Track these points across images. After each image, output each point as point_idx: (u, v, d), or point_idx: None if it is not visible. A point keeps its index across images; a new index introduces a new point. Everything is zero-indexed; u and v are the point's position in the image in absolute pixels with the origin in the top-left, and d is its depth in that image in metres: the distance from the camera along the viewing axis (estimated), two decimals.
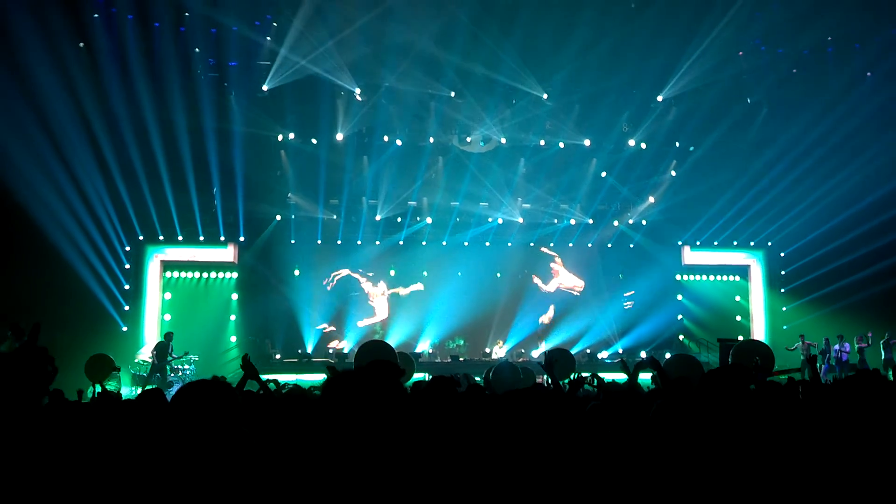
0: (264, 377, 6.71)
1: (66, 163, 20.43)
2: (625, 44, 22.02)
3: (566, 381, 9.11)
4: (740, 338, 23.31)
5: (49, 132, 19.85)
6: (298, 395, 6.97)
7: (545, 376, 18.41)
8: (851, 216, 23.14)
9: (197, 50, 21.71)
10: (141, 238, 23.28)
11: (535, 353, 25.07)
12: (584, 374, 7.87)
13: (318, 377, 18.51)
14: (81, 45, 20.76)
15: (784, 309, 26.09)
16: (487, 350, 24.93)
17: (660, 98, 23.89)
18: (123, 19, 20.81)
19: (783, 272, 26.31)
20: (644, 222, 26.46)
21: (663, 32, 21.54)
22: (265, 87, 22.19)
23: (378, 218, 25.32)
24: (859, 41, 22.78)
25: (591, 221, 26.11)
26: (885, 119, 22.17)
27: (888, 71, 22.41)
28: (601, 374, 8.22)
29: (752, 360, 12.13)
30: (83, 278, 21.23)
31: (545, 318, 26.36)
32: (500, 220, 25.91)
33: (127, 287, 22.97)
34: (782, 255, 26.23)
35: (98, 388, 13.57)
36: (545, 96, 23.40)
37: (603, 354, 24.68)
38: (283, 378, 11.59)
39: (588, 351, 24.58)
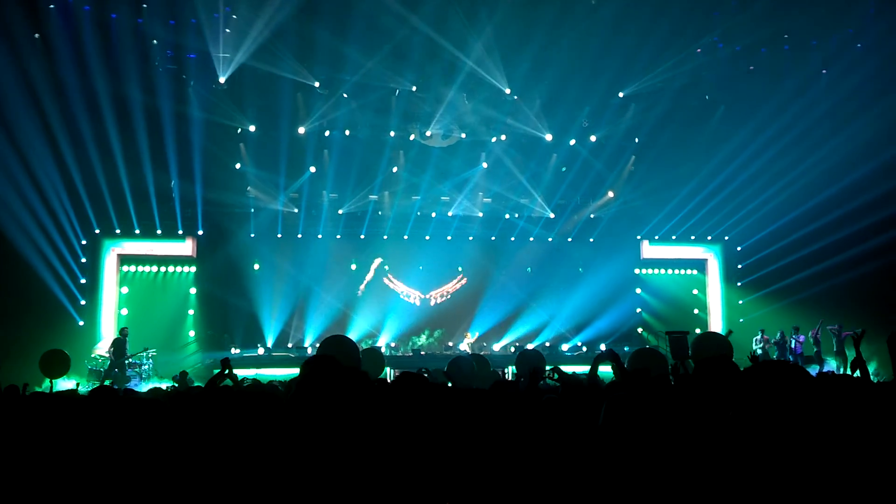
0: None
1: (21, 155, 20.12)
2: (585, 40, 22.11)
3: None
4: (697, 330, 23.59)
5: (3, 123, 19.54)
6: (257, 391, 6.98)
7: (508, 368, 18.48)
8: (806, 211, 23.50)
9: (155, 41, 21.44)
10: (97, 231, 22.99)
11: (497, 347, 25.18)
12: (546, 367, 7.93)
13: (278, 372, 18.43)
14: (37, 36, 20.40)
15: (740, 302, 26.47)
16: (451, 343, 25.00)
17: (621, 94, 24.04)
18: (80, 10, 20.46)
19: (739, 266, 26.69)
20: (604, 217, 26.65)
21: (622, 29, 21.67)
22: (223, 80, 21.97)
23: (340, 212, 25.27)
24: (816, 39, 23.10)
25: (552, 216, 26.21)
26: (840, 116, 22.53)
27: (843, 69, 22.75)
28: (563, 367, 8.29)
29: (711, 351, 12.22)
30: (38, 272, 20.91)
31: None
32: (460, 215, 25.96)
33: (83, 281, 22.68)
34: (739, 249, 26.61)
35: (55, 384, 13.47)
36: (508, 91, 23.39)
37: (564, 347, 24.83)
38: (241, 373, 11.54)
39: (548, 344, 24.72)
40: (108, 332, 22.38)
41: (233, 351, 22.91)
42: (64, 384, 15.21)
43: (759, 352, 21.31)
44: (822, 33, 22.83)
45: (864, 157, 22.07)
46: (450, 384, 8.91)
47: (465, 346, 24.53)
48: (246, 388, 7.30)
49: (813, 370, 20.04)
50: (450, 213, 25.78)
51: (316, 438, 3.56)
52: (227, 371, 6.60)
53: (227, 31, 21.58)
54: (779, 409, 3.21)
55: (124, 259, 23.74)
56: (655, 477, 3.36)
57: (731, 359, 10.17)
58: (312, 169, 24.34)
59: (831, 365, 21.21)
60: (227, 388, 6.21)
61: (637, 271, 27.03)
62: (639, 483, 3.37)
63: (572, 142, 25.16)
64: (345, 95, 23.29)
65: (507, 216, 26.40)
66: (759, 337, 22.29)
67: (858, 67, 22.42)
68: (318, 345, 18.61)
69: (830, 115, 22.66)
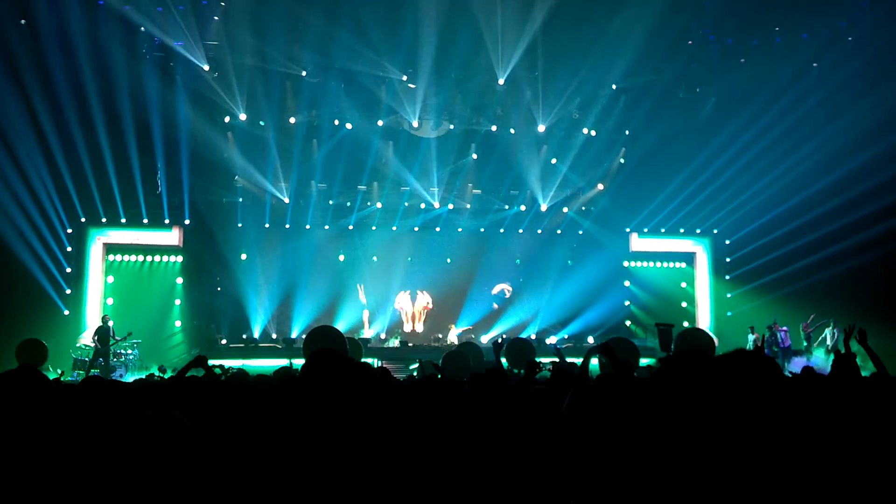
0: (209, 363, 6.68)
1: (7, 142, 19.99)
2: (576, 31, 22.02)
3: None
4: (685, 324, 23.61)
5: None
6: (241, 381, 6.90)
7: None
8: (796, 205, 23.53)
9: (142, 28, 21.23)
10: (83, 220, 22.77)
11: (485, 339, 25.15)
12: (544, 360, 7.88)
13: (265, 362, 18.33)
14: (23, 21, 20.21)
15: (729, 296, 26.48)
16: (440, 335, 24.96)
17: (614, 87, 23.96)
18: None
19: (728, 259, 26.69)
20: (593, 209, 26.61)
21: (614, 21, 21.56)
22: (207, 67, 21.81)
23: (330, 203, 25.17)
24: (807, 32, 23.08)
25: (544, 208, 26.08)
26: (830, 110, 22.53)
27: (834, 62, 22.76)
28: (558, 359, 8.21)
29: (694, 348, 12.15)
30: (23, 261, 20.78)
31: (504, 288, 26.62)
32: (450, 206, 25.86)
33: (69, 270, 22.50)
34: (727, 242, 26.61)
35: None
36: (501, 81, 23.24)
37: (551, 340, 24.80)
38: (227, 363, 11.47)
39: (534, 336, 24.67)
40: (93, 322, 22.19)
41: (222, 342, 22.84)
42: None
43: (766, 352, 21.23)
44: (814, 26, 22.80)
45: (855, 151, 22.10)
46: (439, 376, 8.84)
47: (452, 338, 24.51)
48: (226, 380, 7.23)
49: (800, 362, 20.04)
50: (436, 205, 25.63)
51: (316, 431, 3.51)
52: (200, 366, 6.51)
53: (216, 18, 21.43)
54: (741, 401, 3.17)
55: (110, 248, 23.54)
56: (615, 468, 3.31)
57: (711, 354, 10.12)
58: (302, 159, 24.20)
59: (820, 356, 21.15)
60: (195, 378, 6.11)
61: (626, 264, 26.99)
62: (598, 473, 3.33)
63: (563, 133, 25.05)
64: (334, 85, 23.13)
65: (496, 208, 26.32)
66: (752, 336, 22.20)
67: (849, 60, 22.43)
68: (304, 336, 18.52)
69: (821, 109, 22.67)
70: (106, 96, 21.07)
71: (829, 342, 21.42)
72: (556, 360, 7.56)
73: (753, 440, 3.02)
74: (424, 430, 4.02)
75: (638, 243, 27.05)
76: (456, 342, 24.15)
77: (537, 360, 7.55)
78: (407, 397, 4.69)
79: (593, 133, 25.21)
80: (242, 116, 23.03)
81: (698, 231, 26.77)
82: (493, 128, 24.90)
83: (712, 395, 3.30)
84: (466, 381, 5.58)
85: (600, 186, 26.30)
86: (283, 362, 14.38)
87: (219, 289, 24.55)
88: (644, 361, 16.48)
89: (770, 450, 3.00)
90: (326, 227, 25.62)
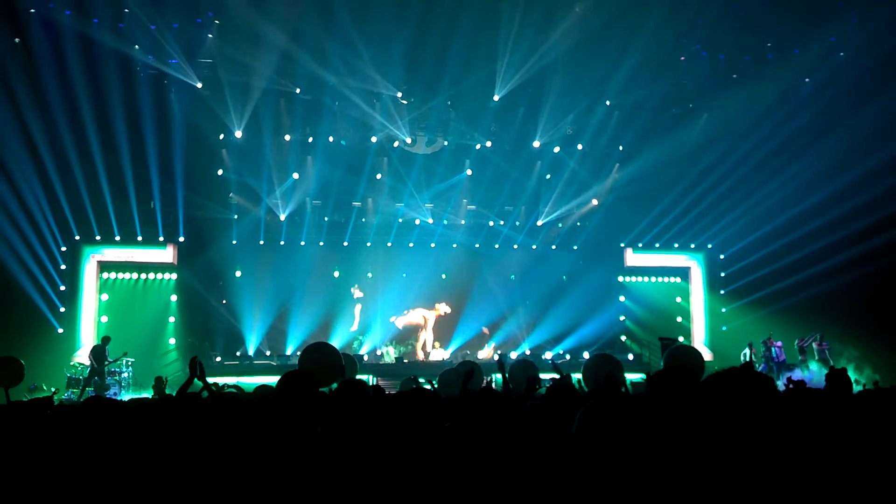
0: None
1: (1, 160, 20.05)
2: (571, 47, 22.10)
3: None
4: (681, 338, 23.58)
5: None
6: (232, 398, 6.84)
7: (492, 377, 18.49)
8: (789, 219, 23.58)
9: (136, 46, 21.26)
10: (77, 238, 22.77)
11: (481, 355, 25.09)
12: (544, 377, 7.88)
13: (260, 380, 18.25)
14: (17, 40, 20.24)
15: (723, 310, 26.47)
16: (432, 351, 24.93)
17: (608, 103, 24.04)
18: (61, 14, 20.28)
19: (722, 274, 26.71)
20: (588, 225, 26.64)
21: (607, 37, 21.65)
22: (200, 85, 21.84)
23: (325, 219, 25.16)
24: (798, 47, 23.18)
25: (540, 223, 26.12)
26: (823, 124, 22.61)
27: (826, 77, 22.86)
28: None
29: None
30: (17, 279, 20.73)
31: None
32: (444, 222, 25.88)
33: (63, 288, 22.46)
34: (722, 257, 26.64)
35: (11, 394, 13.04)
36: (496, 98, 23.30)
37: (547, 355, 24.74)
38: (222, 380, 11.43)
39: (528, 353, 24.63)
40: (87, 340, 22.14)
41: (216, 359, 22.74)
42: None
43: (762, 366, 21.25)
44: (805, 42, 22.90)
45: (847, 166, 22.16)
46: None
47: (445, 355, 24.52)
48: (222, 395, 7.18)
49: (794, 377, 19.94)
50: (430, 221, 25.66)
51: (282, 447, 3.52)
52: (197, 374, 6.42)
53: (210, 36, 21.47)
54: (733, 416, 3.18)
55: (104, 266, 23.47)
56: (629, 483, 3.31)
57: (699, 370, 10.13)
58: (296, 175, 24.17)
59: (814, 370, 21.10)
60: (194, 394, 6.07)
61: (620, 279, 27.00)
62: (612, 489, 3.32)
63: (556, 149, 25.11)
64: (328, 101, 23.15)
65: (490, 224, 26.35)
66: (747, 351, 22.18)
67: (840, 76, 22.54)
68: (299, 353, 18.54)
69: (813, 124, 22.74)
70: (100, 114, 21.08)
71: (815, 354, 21.43)
72: (556, 376, 7.57)
73: (745, 455, 3.03)
74: (410, 441, 4.01)
75: (632, 258, 27.07)
76: (448, 357, 24.18)
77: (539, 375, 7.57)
78: (394, 410, 4.68)
79: (587, 149, 25.26)
80: (238, 134, 22.99)
81: (693, 246, 26.82)
82: (488, 143, 24.94)
83: (700, 411, 3.31)
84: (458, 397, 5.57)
85: (595, 202, 26.32)
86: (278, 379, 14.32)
87: (216, 305, 24.46)
88: (636, 377, 16.51)
89: (764, 464, 3.00)
90: (321, 243, 25.58)
